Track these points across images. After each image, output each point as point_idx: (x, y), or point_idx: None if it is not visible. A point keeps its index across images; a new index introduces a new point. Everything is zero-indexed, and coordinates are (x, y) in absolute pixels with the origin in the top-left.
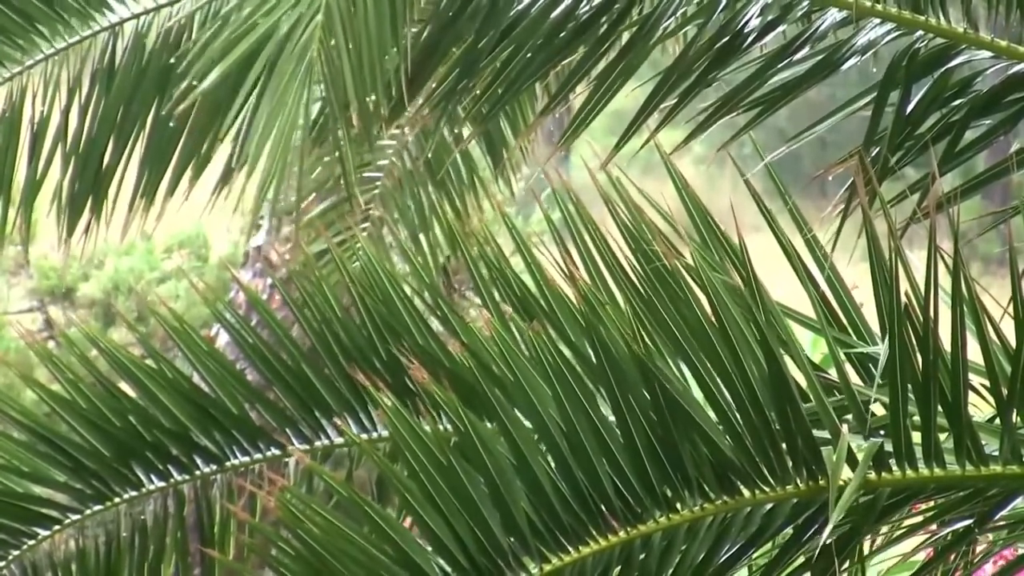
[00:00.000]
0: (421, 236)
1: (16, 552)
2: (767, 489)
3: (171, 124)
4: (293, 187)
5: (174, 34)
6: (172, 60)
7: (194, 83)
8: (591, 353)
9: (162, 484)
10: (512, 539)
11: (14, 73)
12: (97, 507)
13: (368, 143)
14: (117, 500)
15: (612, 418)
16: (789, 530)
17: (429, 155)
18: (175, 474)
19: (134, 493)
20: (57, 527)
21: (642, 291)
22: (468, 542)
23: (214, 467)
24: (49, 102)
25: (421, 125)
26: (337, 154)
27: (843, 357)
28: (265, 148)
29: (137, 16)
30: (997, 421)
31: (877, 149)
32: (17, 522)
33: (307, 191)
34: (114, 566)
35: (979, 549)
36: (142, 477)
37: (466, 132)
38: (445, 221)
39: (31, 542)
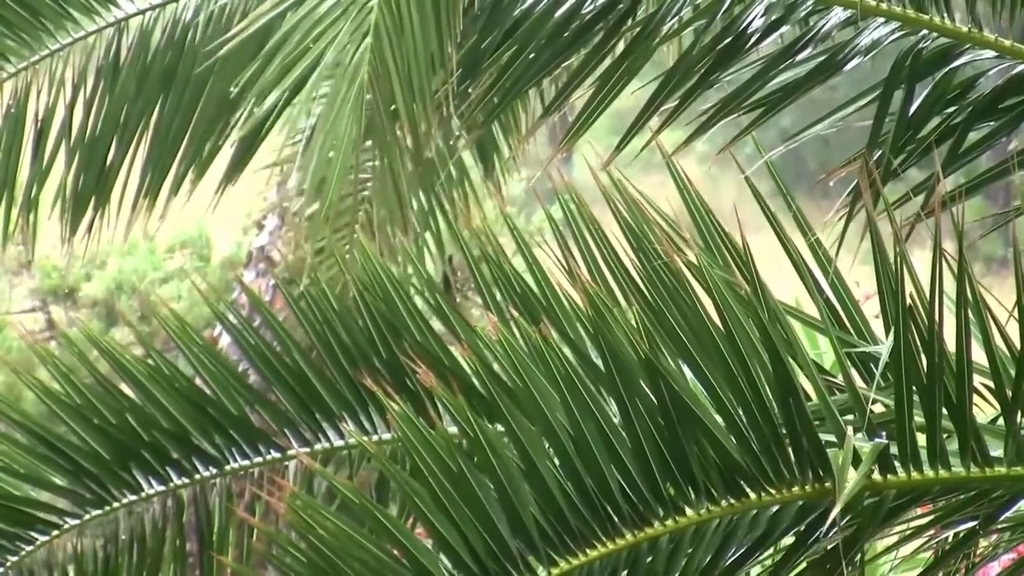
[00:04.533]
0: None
1: (14, 557)
2: (773, 491)
3: (230, 146)
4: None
5: (179, 31)
6: (232, 88)
7: (255, 109)
8: (597, 356)
9: (161, 488)
10: (520, 542)
11: (19, 68)
12: (96, 511)
13: (418, 158)
14: (116, 504)
15: (618, 420)
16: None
17: (430, 154)
18: (174, 478)
19: (133, 497)
20: (55, 532)
21: (646, 292)
22: (476, 545)
23: (213, 470)
24: (54, 98)
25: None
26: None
27: (847, 358)
28: (322, 168)
29: (142, 12)
30: (1001, 422)
31: (880, 151)
32: (15, 526)
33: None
34: (112, 571)
35: (980, 551)
36: (141, 481)
37: (463, 137)
38: (446, 221)
39: (29, 547)
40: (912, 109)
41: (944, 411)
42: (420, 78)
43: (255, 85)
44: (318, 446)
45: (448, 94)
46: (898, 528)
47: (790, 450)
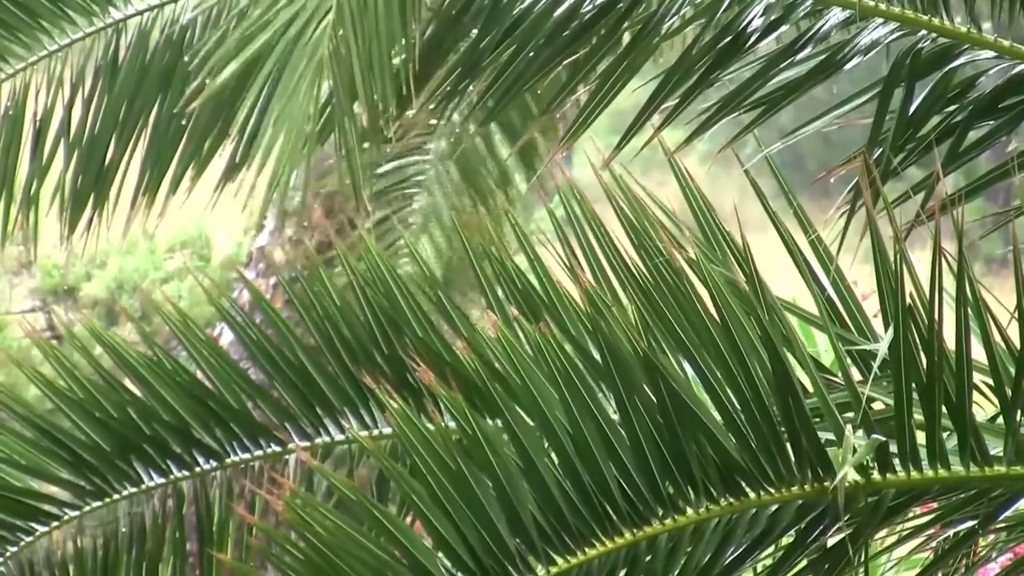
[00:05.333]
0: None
1: (13, 548)
2: (772, 490)
3: (183, 122)
4: (300, 185)
5: (178, 31)
6: (185, 58)
7: (207, 80)
8: (596, 353)
9: (162, 481)
10: (518, 540)
11: (17, 69)
12: (96, 503)
13: (375, 141)
14: (116, 496)
15: (617, 419)
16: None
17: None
18: (175, 471)
19: (134, 490)
20: (56, 523)
21: (646, 290)
22: (474, 543)
23: (214, 463)
24: (52, 99)
25: (451, 134)
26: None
27: (846, 355)
28: (276, 147)
29: (141, 13)
30: (1000, 421)
31: (880, 150)
32: (15, 518)
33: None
34: (112, 563)
35: (979, 551)
36: (142, 473)
37: (495, 133)
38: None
39: (28, 538)
40: (912, 108)
41: (944, 410)
42: (381, 59)
43: (213, 56)
44: (318, 440)
45: (410, 78)
46: (897, 527)
47: (789, 449)
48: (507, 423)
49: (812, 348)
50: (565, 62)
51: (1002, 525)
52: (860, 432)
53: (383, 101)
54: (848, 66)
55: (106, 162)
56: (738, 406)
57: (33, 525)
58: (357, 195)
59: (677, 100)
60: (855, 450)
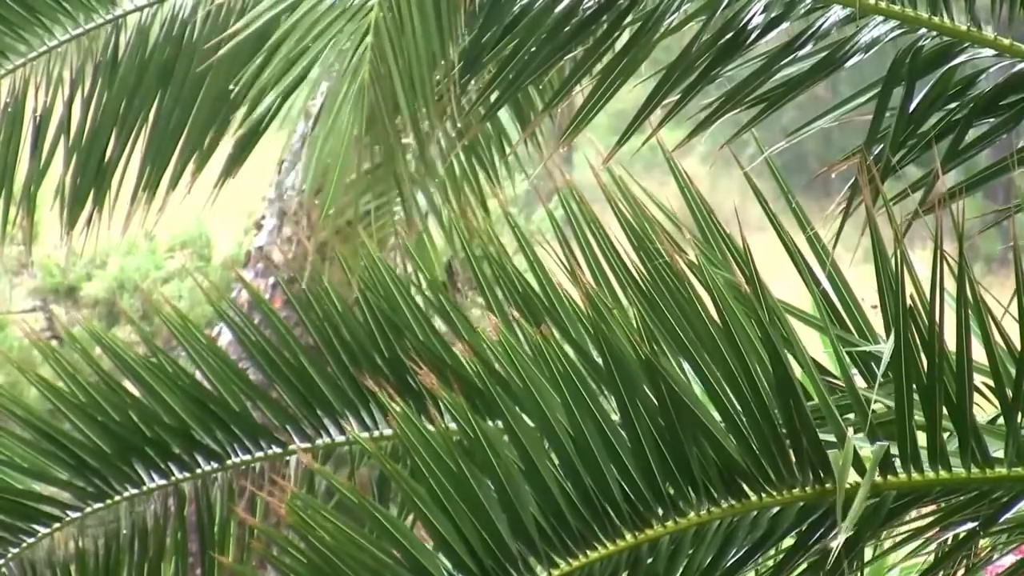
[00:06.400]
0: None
1: (15, 550)
2: (773, 492)
3: (231, 139)
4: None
5: (177, 27)
6: (230, 86)
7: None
8: (597, 355)
9: (163, 482)
10: (520, 543)
11: (17, 65)
12: (97, 505)
13: (423, 159)
14: (118, 498)
15: (618, 420)
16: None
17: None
18: (176, 472)
19: (135, 491)
20: (57, 525)
21: (646, 292)
22: (476, 545)
23: (215, 465)
24: (52, 95)
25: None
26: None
27: (847, 357)
28: (322, 168)
29: (140, 9)
30: (1001, 422)
31: (880, 147)
32: (16, 519)
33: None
34: (114, 565)
35: (982, 552)
36: (143, 475)
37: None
38: (449, 219)
39: (30, 540)
40: (912, 106)
41: (944, 411)
42: (421, 77)
43: (254, 84)
44: (319, 441)
45: (451, 92)
46: (899, 529)
47: (790, 450)
48: (508, 425)
49: (828, 351)
50: (566, 58)
51: (1003, 527)
52: (861, 435)
53: (428, 118)
54: (849, 63)
55: (106, 158)
56: (739, 408)
57: (35, 527)
58: (409, 220)
59: (678, 96)
60: (856, 454)
